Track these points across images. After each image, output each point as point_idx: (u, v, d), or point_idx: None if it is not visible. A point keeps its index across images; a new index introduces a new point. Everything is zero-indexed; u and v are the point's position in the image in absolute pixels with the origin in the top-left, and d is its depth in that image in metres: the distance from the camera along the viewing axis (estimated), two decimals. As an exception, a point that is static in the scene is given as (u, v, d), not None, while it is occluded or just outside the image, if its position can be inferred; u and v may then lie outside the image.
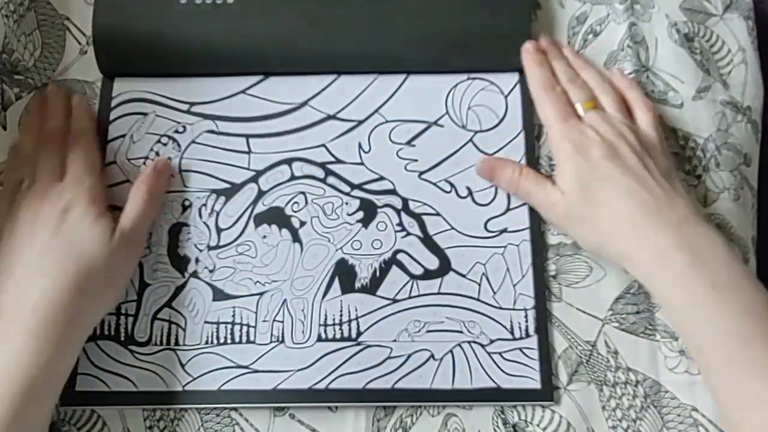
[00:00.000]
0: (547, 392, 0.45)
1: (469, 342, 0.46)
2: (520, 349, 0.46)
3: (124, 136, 0.50)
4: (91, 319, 0.44)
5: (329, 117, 0.50)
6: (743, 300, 0.40)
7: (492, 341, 0.46)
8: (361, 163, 0.49)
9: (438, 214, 0.49)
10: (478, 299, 0.47)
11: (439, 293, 0.47)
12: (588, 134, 0.46)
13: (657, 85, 0.52)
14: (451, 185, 0.49)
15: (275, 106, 0.51)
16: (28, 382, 0.39)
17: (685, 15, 0.54)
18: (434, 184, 0.49)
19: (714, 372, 0.41)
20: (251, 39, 0.50)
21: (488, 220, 0.49)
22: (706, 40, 0.53)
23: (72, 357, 0.43)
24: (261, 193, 0.49)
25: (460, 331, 0.46)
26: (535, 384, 0.45)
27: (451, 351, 0.46)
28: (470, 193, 0.49)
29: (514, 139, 0.50)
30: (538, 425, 0.45)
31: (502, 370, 0.45)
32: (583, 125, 0.47)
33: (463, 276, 0.47)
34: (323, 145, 0.50)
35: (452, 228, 0.48)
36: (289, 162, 0.49)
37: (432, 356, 0.46)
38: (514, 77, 0.51)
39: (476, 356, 0.46)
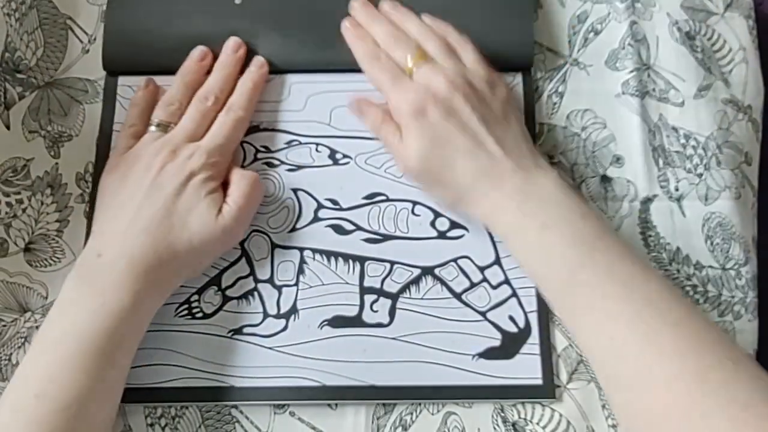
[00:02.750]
0: (549, 389, 0.45)
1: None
2: (522, 346, 0.46)
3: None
4: (169, 286, 0.44)
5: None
6: (572, 233, 0.41)
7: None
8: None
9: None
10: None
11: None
12: (421, 94, 0.45)
13: (658, 83, 0.52)
14: None
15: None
16: (117, 328, 0.40)
17: (686, 13, 0.54)
18: None
19: (554, 301, 0.43)
20: (257, 38, 0.50)
21: None
22: (708, 39, 0.53)
23: (149, 315, 0.43)
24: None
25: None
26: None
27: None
28: None
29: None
30: (537, 423, 0.45)
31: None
32: (416, 84, 0.45)
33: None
34: None
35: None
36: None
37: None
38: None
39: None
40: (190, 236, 0.43)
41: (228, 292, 0.47)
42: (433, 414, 0.46)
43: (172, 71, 0.51)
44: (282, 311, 0.47)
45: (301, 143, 0.50)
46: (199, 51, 0.50)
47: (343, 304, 0.47)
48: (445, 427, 0.45)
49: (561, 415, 0.45)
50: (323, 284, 0.47)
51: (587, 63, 0.53)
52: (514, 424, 0.45)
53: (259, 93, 0.50)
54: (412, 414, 0.46)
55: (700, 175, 0.50)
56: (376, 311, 0.47)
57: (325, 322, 0.46)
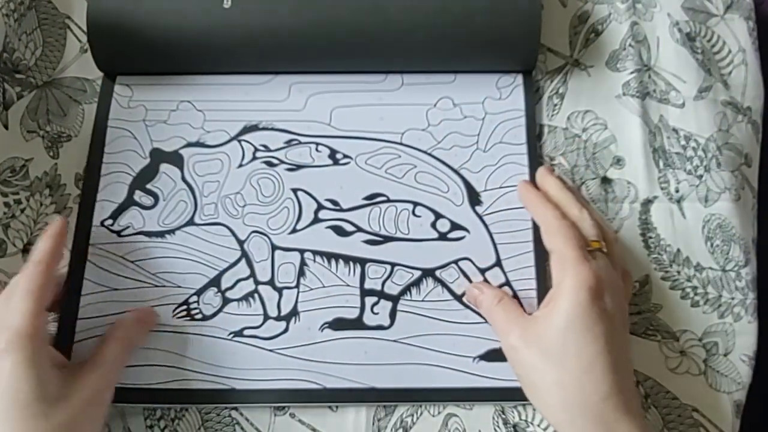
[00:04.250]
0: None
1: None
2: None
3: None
4: None
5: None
6: None
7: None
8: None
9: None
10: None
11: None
12: (601, 280, 0.41)
13: (659, 84, 0.52)
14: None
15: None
16: None
17: (686, 14, 0.54)
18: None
19: None
20: (248, 37, 0.49)
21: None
22: (708, 40, 0.53)
23: None
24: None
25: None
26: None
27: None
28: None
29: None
30: (539, 425, 0.45)
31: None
32: (596, 269, 0.42)
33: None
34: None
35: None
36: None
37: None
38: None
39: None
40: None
41: (228, 294, 0.47)
42: (434, 416, 0.46)
43: (165, 72, 0.51)
44: (283, 313, 0.46)
45: (300, 142, 0.50)
46: None
47: (344, 307, 0.47)
48: (446, 429, 0.45)
49: (561, 417, 0.45)
50: (324, 286, 0.47)
51: (588, 64, 0.53)
52: (515, 426, 0.45)
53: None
54: (412, 416, 0.45)
55: (700, 177, 0.50)
56: (377, 313, 0.46)
57: (326, 325, 0.46)
